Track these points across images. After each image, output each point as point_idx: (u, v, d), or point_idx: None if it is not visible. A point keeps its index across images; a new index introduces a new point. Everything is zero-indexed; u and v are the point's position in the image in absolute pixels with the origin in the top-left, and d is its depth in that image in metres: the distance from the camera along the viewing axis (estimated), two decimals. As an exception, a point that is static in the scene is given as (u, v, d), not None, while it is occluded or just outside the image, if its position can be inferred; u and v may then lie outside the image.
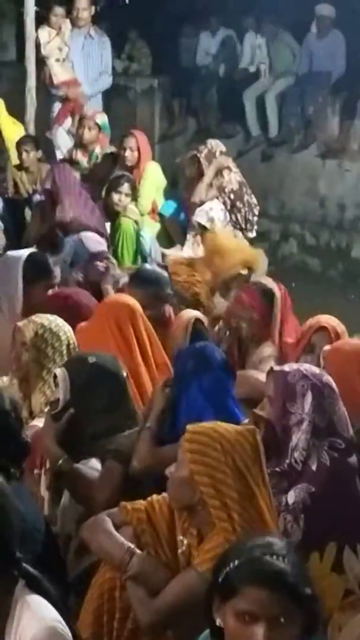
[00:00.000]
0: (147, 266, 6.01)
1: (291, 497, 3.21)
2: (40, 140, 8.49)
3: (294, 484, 3.24)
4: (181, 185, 8.21)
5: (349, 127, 10.56)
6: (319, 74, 10.88)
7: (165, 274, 5.47)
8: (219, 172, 7.53)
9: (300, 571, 2.31)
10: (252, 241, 7.74)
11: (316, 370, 3.53)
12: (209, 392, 3.64)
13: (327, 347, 4.02)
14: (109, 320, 4.40)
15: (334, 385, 3.44)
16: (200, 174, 7.54)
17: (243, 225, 7.61)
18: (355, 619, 2.74)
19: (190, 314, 4.96)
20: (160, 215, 7.88)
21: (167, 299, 5.18)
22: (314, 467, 3.26)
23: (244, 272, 5.74)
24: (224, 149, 7.81)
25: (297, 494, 3.21)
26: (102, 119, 9.23)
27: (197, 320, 4.83)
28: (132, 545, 2.96)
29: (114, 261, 6.20)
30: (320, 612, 2.42)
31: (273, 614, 2.24)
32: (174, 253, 7.42)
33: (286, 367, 3.54)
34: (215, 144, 7.82)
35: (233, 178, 7.58)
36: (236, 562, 2.31)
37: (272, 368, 3.65)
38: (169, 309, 5.11)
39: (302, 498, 3.19)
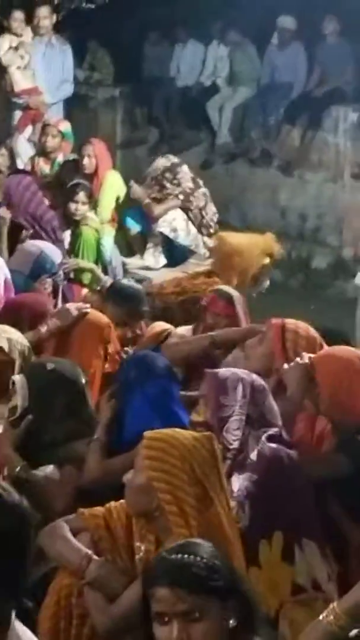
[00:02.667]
0: (124, 281, 5.93)
1: (234, 484, 3.25)
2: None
3: (237, 471, 3.30)
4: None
5: (310, 139, 10.65)
6: (280, 86, 10.98)
7: (141, 289, 5.49)
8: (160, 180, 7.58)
9: (211, 563, 2.30)
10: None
11: (245, 371, 3.61)
12: (153, 400, 3.65)
13: (318, 354, 3.91)
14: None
15: (262, 381, 3.54)
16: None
17: (205, 233, 7.65)
18: (314, 623, 2.75)
19: (165, 326, 4.97)
20: (120, 223, 7.88)
21: (143, 315, 5.21)
22: (254, 457, 3.31)
23: (267, 261, 5.78)
24: (169, 163, 7.79)
25: (241, 482, 3.25)
26: (66, 127, 9.24)
27: (170, 333, 4.85)
28: (90, 552, 2.98)
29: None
30: (251, 604, 2.41)
31: (181, 610, 2.24)
32: (134, 262, 7.47)
33: (217, 370, 3.65)
34: (160, 162, 7.82)
35: (186, 188, 7.61)
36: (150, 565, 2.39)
37: (205, 371, 3.73)
38: (143, 326, 5.14)
39: (245, 485, 3.24)
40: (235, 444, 3.33)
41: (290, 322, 4.20)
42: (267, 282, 6.11)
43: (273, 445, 3.33)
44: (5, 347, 4.10)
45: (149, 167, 7.89)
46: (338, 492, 3.31)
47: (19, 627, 2.37)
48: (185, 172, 7.75)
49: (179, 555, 2.32)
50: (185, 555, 2.31)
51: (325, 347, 4.10)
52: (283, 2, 10.53)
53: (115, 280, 6.08)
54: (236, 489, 3.24)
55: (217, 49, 11.55)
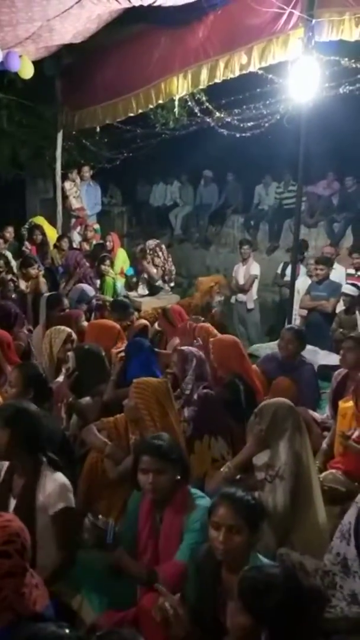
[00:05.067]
0: (118, 299, 5.87)
1: (186, 412, 3.22)
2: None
3: (187, 406, 3.25)
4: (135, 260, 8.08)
5: (220, 231, 10.65)
6: (205, 205, 10.93)
7: (128, 302, 5.42)
8: (151, 253, 7.49)
9: (169, 445, 2.28)
10: (172, 287, 7.75)
11: (196, 349, 3.57)
12: (142, 362, 3.60)
13: (213, 339, 3.84)
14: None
15: (204, 356, 3.49)
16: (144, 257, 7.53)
17: (167, 279, 7.62)
18: (218, 472, 2.76)
19: (142, 322, 4.91)
20: (125, 274, 7.85)
21: (130, 316, 5.11)
22: (195, 397, 3.27)
23: (214, 285, 5.75)
24: (154, 244, 7.59)
25: (189, 412, 3.22)
26: (97, 226, 9.18)
27: (145, 326, 4.77)
28: (107, 440, 2.97)
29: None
30: (187, 467, 2.38)
31: (154, 468, 2.21)
32: (131, 293, 7.42)
33: (184, 348, 3.60)
34: (149, 243, 7.64)
35: (161, 258, 7.56)
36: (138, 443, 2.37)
37: (176, 348, 3.68)
38: (134, 319, 5.03)
39: (190, 414, 3.21)
40: (187, 391, 3.30)
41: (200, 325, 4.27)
42: (221, 298, 5.99)
43: (204, 390, 3.31)
44: (72, 334, 4.03)
45: (144, 244, 7.73)
46: (227, 407, 3.25)
47: (50, 472, 2.32)
48: (164, 248, 7.71)
49: (154, 440, 2.31)
50: (158, 441, 2.30)
51: (218, 334, 4.11)
52: (205, 161, 10.43)
53: (114, 299, 5.94)
54: (186, 415, 3.22)
55: (172, 187, 11.51)
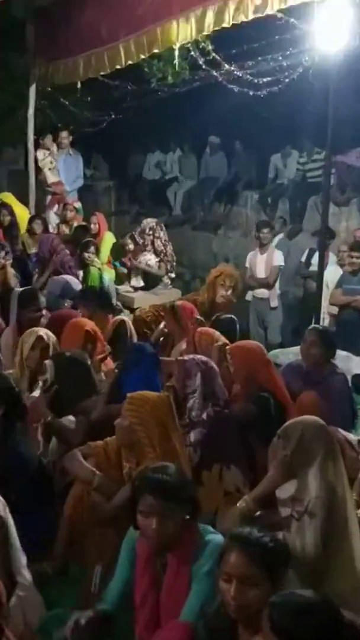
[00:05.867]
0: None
1: (192, 436, 3.21)
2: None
3: (193, 428, 3.23)
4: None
5: (229, 211, 10.65)
6: (211, 179, 10.94)
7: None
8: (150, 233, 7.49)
9: (178, 481, 2.26)
10: (172, 280, 7.76)
11: (204, 358, 3.50)
12: (144, 373, 3.57)
13: (232, 345, 3.83)
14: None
15: (215, 367, 3.44)
16: (136, 244, 7.49)
17: (168, 269, 7.61)
18: (232, 507, 2.75)
19: (118, 317, 4.91)
20: (114, 265, 7.85)
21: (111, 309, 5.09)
22: (204, 417, 3.25)
23: (219, 275, 5.55)
24: (154, 223, 7.67)
25: (196, 435, 3.20)
26: (78, 205, 9.19)
27: (122, 321, 4.73)
28: (95, 469, 2.95)
29: None
30: (197, 505, 2.35)
31: (158, 511, 2.19)
32: (121, 287, 7.42)
33: (185, 357, 3.54)
34: (147, 221, 7.72)
35: (161, 240, 7.56)
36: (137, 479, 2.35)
37: (177, 358, 3.65)
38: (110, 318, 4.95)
39: (198, 437, 3.19)
40: (195, 419, 3.26)
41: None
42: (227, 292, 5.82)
43: (216, 409, 3.28)
44: (45, 337, 4.00)
45: (134, 232, 7.73)
46: (253, 427, 3.23)
47: None
48: (164, 229, 7.69)
49: (159, 475, 2.29)
50: (163, 476, 2.28)
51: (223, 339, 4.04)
52: (212, 126, 10.47)
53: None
54: (193, 439, 3.19)
55: (172, 157, 11.57)
